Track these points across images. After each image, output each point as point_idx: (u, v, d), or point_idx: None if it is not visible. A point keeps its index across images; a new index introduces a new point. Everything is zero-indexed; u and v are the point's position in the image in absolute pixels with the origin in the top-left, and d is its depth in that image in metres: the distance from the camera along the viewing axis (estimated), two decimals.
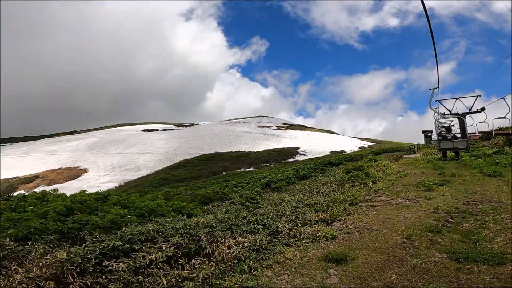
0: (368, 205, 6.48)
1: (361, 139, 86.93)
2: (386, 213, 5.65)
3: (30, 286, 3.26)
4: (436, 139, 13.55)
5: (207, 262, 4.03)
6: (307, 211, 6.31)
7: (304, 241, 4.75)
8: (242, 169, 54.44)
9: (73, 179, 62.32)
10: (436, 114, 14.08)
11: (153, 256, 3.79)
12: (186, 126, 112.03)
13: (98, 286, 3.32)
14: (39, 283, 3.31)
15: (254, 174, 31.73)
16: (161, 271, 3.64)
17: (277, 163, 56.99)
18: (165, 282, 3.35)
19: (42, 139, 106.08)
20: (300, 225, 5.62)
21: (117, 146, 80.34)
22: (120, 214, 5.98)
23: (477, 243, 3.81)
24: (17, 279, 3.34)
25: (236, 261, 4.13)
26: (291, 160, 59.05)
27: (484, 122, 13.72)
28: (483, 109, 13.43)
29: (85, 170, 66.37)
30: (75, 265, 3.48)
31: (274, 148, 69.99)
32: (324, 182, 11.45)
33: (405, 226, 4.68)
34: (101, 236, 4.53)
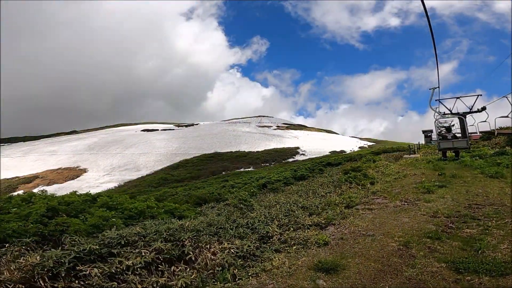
0: (364, 208, 6.20)
1: (361, 139, 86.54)
2: (383, 217, 5.37)
3: None
4: (436, 139, 13.28)
5: (188, 269, 3.80)
6: (300, 214, 6.04)
7: (294, 247, 4.48)
8: (242, 169, 54.19)
9: (73, 179, 62.21)
10: (436, 113, 13.83)
11: (131, 261, 3.57)
12: (186, 126, 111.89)
13: None
14: (9, 287, 3.13)
15: (253, 174, 31.47)
16: (137, 277, 3.44)
17: (277, 163, 56.71)
18: None
19: (41, 139, 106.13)
20: (292, 229, 5.35)
21: (117, 146, 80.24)
22: (103, 217, 5.72)
23: (479, 251, 3.53)
24: None
25: (220, 268, 3.87)
26: (291, 160, 58.76)
27: (485, 121, 13.44)
28: (483, 108, 13.19)
29: (84, 170, 66.26)
30: (45, 269, 3.29)
31: (274, 148, 69.70)
32: (321, 183, 11.17)
33: (402, 232, 4.39)
34: (81, 239, 4.30)
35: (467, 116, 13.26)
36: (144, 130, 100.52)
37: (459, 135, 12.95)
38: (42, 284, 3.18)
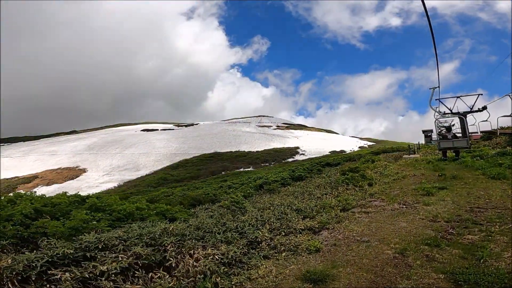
0: (361, 211, 5.93)
1: (361, 138, 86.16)
2: (380, 221, 5.09)
3: None
4: (436, 138, 13.03)
5: (167, 276, 3.56)
6: (293, 218, 5.77)
7: (284, 253, 4.22)
8: (242, 169, 54.00)
9: (72, 179, 62.13)
10: (436, 113, 13.57)
11: (105, 266, 3.37)
12: (186, 126, 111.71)
13: None
14: None
15: (251, 174, 31.22)
16: (111, 283, 3.25)
17: (276, 163, 56.48)
18: None
19: (41, 139, 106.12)
20: (283, 234, 5.09)
21: (117, 146, 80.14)
22: (84, 220, 5.46)
23: (481, 260, 3.26)
24: None
25: (202, 276, 3.62)
26: (290, 160, 58.50)
27: (486, 121, 13.17)
28: (484, 108, 12.94)
29: (84, 170, 66.19)
30: (14, 272, 3.14)
31: (274, 148, 69.47)
32: (318, 184, 10.90)
33: (399, 238, 4.12)
34: (57, 243, 4.10)
35: (467, 115, 13.03)
36: (143, 130, 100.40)
37: (460, 135, 12.71)
38: (11, 287, 3.06)
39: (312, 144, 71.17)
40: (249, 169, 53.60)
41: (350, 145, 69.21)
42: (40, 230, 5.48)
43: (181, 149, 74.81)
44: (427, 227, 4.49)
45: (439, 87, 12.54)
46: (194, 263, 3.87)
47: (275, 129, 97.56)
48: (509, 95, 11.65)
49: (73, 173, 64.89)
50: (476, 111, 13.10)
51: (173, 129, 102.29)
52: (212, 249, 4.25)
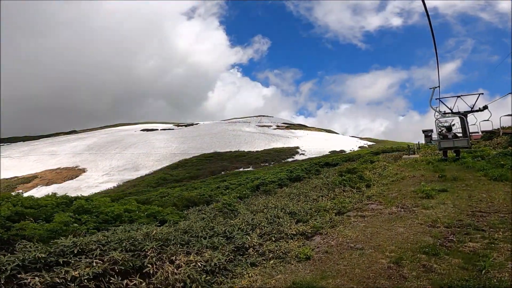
0: (356, 215, 5.65)
1: (361, 138, 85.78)
2: (376, 226, 4.82)
3: None
4: (436, 138, 12.77)
5: (144, 284, 3.33)
6: (285, 222, 5.50)
7: (272, 261, 3.96)
8: (241, 169, 53.79)
9: (72, 179, 62.04)
10: (436, 113, 13.30)
11: (78, 272, 3.19)
12: (186, 125, 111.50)
13: None
14: None
15: (249, 175, 30.97)
16: None
17: (276, 163, 56.23)
18: None
19: (41, 139, 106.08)
20: (274, 239, 4.82)
21: (116, 146, 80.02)
22: (65, 222, 5.22)
23: (483, 271, 2.99)
24: None
25: (182, 284, 3.37)
26: (290, 159, 58.23)
27: (488, 120, 12.87)
28: (485, 107, 12.68)
29: (83, 170, 66.09)
30: None
31: (274, 148, 69.21)
32: (315, 185, 10.62)
33: (395, 245, 3.85)
34: (32, 246, 3.92)
35: (468, 115, 12.78)
36: (143, 130, 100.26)
37: (460, 134, 12.45)
38: None
39: (312, 144, 70.86)
40: (248, 169, 53.37)
41: (350, 145, 68.87)
42: (21, 232, 5.26)
43: (180, 149, 74.64)
44: (425, 233, 4.21)
45: (439, 86, 12.35)
46: (174, 270, 3.64)
47: (275, 129, 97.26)
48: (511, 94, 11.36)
49: (73, 173, 64.80)
50: (477, 111, 12.85)
51: (173, 129, 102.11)
52: (195, 256, 4.01)
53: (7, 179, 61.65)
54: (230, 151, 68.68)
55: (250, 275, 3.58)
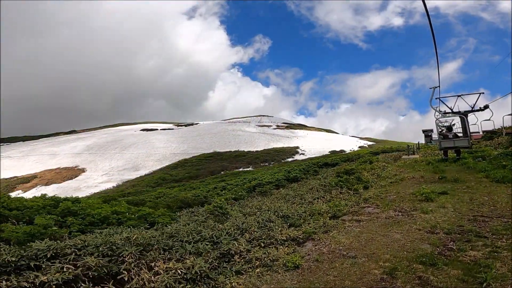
0: (352, 219, 5.38)
1: (361, 138, 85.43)
2: (372, 231, 4.55)
3: None
4: (437, 138, 12.53)
5: None
6: (276, 226, 5.23)
7: (259, 269, 3.69)
8: (241, 169, 53.57)
9: (71, 179, 61.92)
10: (437, 112, 13.04)
11: (47, 277, 3.05)
12: (186, 125, 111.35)
13: None
14: None
15: (248, 175, 30.72)
16: None
17: (276, 163, 55.97)
18: None
19: (41, 139, 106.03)
20: (263, 245, 4.56)
21: (116, 145, 79.89)
22: (44, 225, 4.98)
23: (484, 284, 2.72)
24: None
25: None
26: (290, 159, 57.97)
27: (489, 120, 12.59)
28: (486, 107, 12.43)
29: (83, 170, 65.96)
30: None
31: (274, 148, 68.95)
32: (312, 187, 10.36)
33: (390, 254, 3.57)
34: (6, 249, 3.79)
35: (469, 115, 12.53)
36: (143, 130, 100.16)
37: (461, 134, 12.20)
38: None
39: (312, 144, 70.58)
40: (248, 169, 53.14)
41: (350, 145, 68.53)
42: (4, 235, 5.02)
43: (180, 149, 74.47)
44: (423, 240, 3.94)
45: (439, 86, 12.15)
46: (152, 277, 3.40)
47: (275, 128, 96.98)
48: None
49: (72, 173, 64.67)
50: (477, 110, 12.61)
51: (172, 129, 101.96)
52: (175, 262, 3.77)
53: (6, 179, 61.57)
54: (230, 151, 68.44)
55: (233, 284, 3.33)
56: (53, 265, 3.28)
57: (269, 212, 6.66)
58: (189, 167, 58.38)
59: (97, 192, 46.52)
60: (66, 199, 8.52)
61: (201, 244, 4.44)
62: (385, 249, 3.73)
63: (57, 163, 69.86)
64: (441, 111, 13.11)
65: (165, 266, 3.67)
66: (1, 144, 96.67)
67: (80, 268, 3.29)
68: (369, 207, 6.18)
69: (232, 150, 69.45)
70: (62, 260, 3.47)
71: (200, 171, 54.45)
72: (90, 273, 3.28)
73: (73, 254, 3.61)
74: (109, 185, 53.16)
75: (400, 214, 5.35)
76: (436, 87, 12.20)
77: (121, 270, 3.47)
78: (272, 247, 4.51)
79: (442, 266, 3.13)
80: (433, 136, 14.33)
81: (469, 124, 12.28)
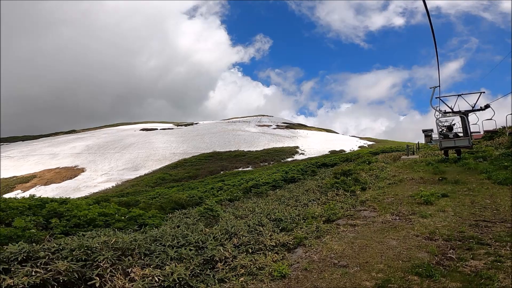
0: (347, 224, 5.11)
1: (361, 138, 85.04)
2: (367, 237, 4.28)
3: None
4: (437, 138, 12.27)
5: None
6: (267, 231, 4.97)
7: (243, 278, 3.44)
8: (240, 169, 53.34)
9: (71, 178, 61.79)
10: (437, 112, 12.76)
11: (12, 280, 2.96)
12: (186, 125, 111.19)
13: None
14: None
15: (246, 175, 30.48)
16: None
17: (275, 162, 55.71)
18: None
19: (40, 139, 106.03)
20: (250, 250, 4.30)
21: (116, 145, 79.77)
22: (22, 227, 4.74)
23: None
24: None
25: None
26: (290, 159, 57.69)
27: (491, 119, 12.31)
28: (487, 106, 12.16)
29: (82, 170, 65.80)
30: None
31: (273, 147, 68.68)
32: (308, 188, 10.09)
33: (384, 263, 3.31)
34: None
35: (469, 114, 12.25)
36: (143, 130, 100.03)
37: (462, 134, 11.94)
38: None
39: (312, 144, 70.30)
40: (248, 168, 52.91)
41: (350, 144, 68.17)
42: None
43: (180, 149, 74.28)
44: (421, 247, 3.66)
45: (439, 86, 11.90)
46: (126, 284, 3.19)
47: (274, 128, 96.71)
48: None
49: (72, 172, 64.54)
50: (478, 110, 12.34)
51: (172, 129, 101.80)
52: (153, 269, 3.53)
53: (6, 178, 61.50)
54: (230, 151, 68.21)
55: None
56: (23, 269, 3.17)
57: (262, 215, 6.41)
58: (189, 167, 58.20)
59: (96, 192, 46.37)
60: (53, 200, 8.28)
61: (185, 249, 4.20)
62: (379, 258, 3.47)
63: (57, 163, 69.75)
64: (441, 111, 12.84)
65: (141, 273, 3.44)
66: (1, 144, 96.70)
67: (50, 272, 3.18)
68: (366, 210, 5.91)
69: (232, 150, 69.22)
70: (33, 263, 3.35)
71: (200, 171, 54.25)
72: (60, 278, 3.18)
73: (47, 257, 3.49)
74: (109, 185, 53.02)
75: (397, 218, 5.07)
76: (436, 87, 11.98)
77: (93, 276, 3.31)
78: (260, 253, 4.26)
79: (440, 278, 2.86)
80: (433, 136, 14.07)
81: (470, 124, 12.02)
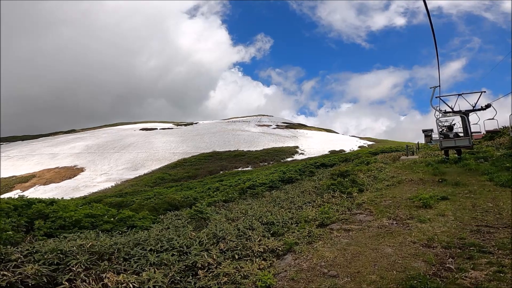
0: (340, 229, 4.85)
1: (361, 138, 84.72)
2: (361, 244, 4.02)
3: None
4: (437, 138, 12.03)
5: None
6: (256, 235, 4.71)
7: (225, 287, 3.17)
8: (240, 169, 53.15)
9: (70, 178, 61.70)
10: (437, 112, 12.51)
11: None
12: (185, 125, 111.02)
13: None
14: None
15: (244, 175, 30.24)
16: None
17: (275, 162, 55.48)
18: None
19: (40, 138, 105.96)
20: (237, 257, 4.04)
21: (115, 145, 79.67)
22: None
23: None
24: None
25: None
26: (289, 159, 57.45)
27: (493, 119, 12.05)
28: (488, 106, 11.91)
29: (82, 170, 65.72)
30: None
31: (273, 147, 68.45)
32: (304, 189, 9.83)
33: (377, 274, 3.04)
34: None
35: (470, 114, 12.01)
36: (142, 129, 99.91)
37: (462, 134, 11.70)
38: None
39: (312, 144, 70.04)
40: (247, 168, 52.70)
41: (350, 144, 67.87)
42: None
43: (180, 149, 74.15)
44: (418, 256, 3.40)
45: (439, 85, 11.67)
46: None
47: (274, 128, 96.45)
48: None
49: (71, 172, 64.44)
50: (479, 110, 12.09)
51: (172, 129, 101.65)
52: (127, 275, 3.29)
53: (5, 178, 61.43)
54: (229, 151, 68.02)
55: None
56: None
57: (253, 218, 6.15)
58: (188, 167, 58.06)
59: (96, 192, 46.23)
60: (40, 201, 8.05)
61: (167, 254, 3.95)
62: (372, 267, 3.20)
63: (56, 163, 69.66)
64: (441, 111, 12.59)
65: (115, 279, 3.20)
66: (1, 143, 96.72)
67: (19, 276, 3.09)
68: (362, 214, 5.64)
69: (232, 149, 69.03)
70: (4, 266, 3.26)
71: (199, 171, 54.09)
72: (29, 282, 3.09)
73: (18, 260, 3.42)
74: (108, 185, 52.92)
75: (394, 223, 4.81)
76: (436, 87, 11.77)
77: (63, 281, 3.18)
78: (247, 260, 4.01)
79: None
80: (433, 136, 13.82)
81: (471, 124, 11.77)
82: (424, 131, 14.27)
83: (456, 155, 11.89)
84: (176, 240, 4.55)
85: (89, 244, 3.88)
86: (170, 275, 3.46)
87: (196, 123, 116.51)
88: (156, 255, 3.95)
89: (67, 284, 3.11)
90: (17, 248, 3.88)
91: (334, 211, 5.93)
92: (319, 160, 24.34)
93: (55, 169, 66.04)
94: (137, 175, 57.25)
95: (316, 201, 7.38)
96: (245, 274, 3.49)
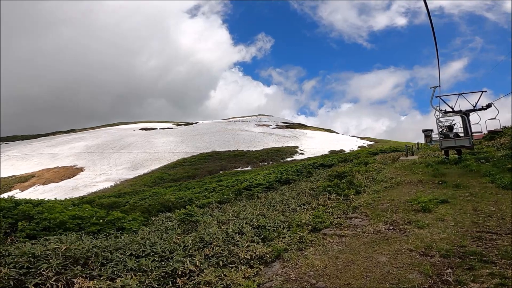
0: (334, 234, 4.60)
1: (361, 138, 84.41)
2: (354, 251, 3.77)
3: None
4: (437, 138, 11.81)
5: None
6: (243, 240, 4.46)
7: None
8: (239, 169, 52.96)
9: (69, 178, 61.64)
10: (437, 112, 12.28)
11: None
12: (185, 125, 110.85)
13: None
14: None
15: (242, 176, 30.01)
16: None
17: (275, 162, 55.28)
18: None
19: (39, 138, 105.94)
20: (221, 263, 3.80)
21: (115, 145, 79.59)
22: None
23: None
24: None
25: None
26: (289, 159, 57.22)
27: (495, 118, 11.81)
28: (488, 106, 11.69)
29: (81, 169, 65.67)
30: None
31: (273, 147, 68.24)
32: (300, 191, 9.58)
33: (368, 286, 2.79)
34: None
35: (471, 114, 11.78)
36: (142, 129, 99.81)
37: (462, 134, 11.47)
38: None
39: (311, 144, 69.79)
40: (247, 168, 52.52)
41: (350, 144, 67.57)
42: None
43: (179, 148, 74.03)
44: (414, 266, 3.14)
45: (439, 85, 11.46)
46: None
47: (274, 128, 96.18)
48: None
49: (70, 172, 64.39)
50: (480, 109, 11.86)
51: (172, 128, 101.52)
52: (102, 281, 3.07)
53: (4, 178, 61.41)
54: (229, 151, 67.85)
55: None
56: None
57: (244, 221, 5.90)
58: (188, 167, 57.93)
59: (95, 192, 46.11)
60: (28, 201, 7.84)
61: (146, 260, 3.71)
62: (363, 279, 2.95)
63: (56, 162, 69.62)
64: (441, 110, 12.35)
65: (86, 285, 2.98)
66: (1, 143, 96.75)
67: None
68: (357, 218, 5.39)
69: (231, 149, 68.85)
70: None
71: (199, 171, 53.95)
72: None
73: None
74: (107, 185, 52.83)
75: (391, 228, 4.55)
76: (436, 87, 11.58)
77: (30, 286, 3.01)
78: (232, 267, 3.76)
79: None
80: (433, 136, 13.57)
81: (472, 124, 11.54)
82: (424, 131, 14.04)
83: (456, 155, 11.65)
84: (159, 244, 4.31)
85: (64, 248, 3.66)
86: (147, 282, 3.23)
87: (196, 123, 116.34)
88: (136, 260, 3.72)
89: None
90: None
91: (328, 214, 5.68)
92: (318, 160, 24.07)
93: (54, 169, 65.98)
94: (136, 175, 57.14)
95: (311, 204, 7.13)
96: (227, 283, 3.24)
